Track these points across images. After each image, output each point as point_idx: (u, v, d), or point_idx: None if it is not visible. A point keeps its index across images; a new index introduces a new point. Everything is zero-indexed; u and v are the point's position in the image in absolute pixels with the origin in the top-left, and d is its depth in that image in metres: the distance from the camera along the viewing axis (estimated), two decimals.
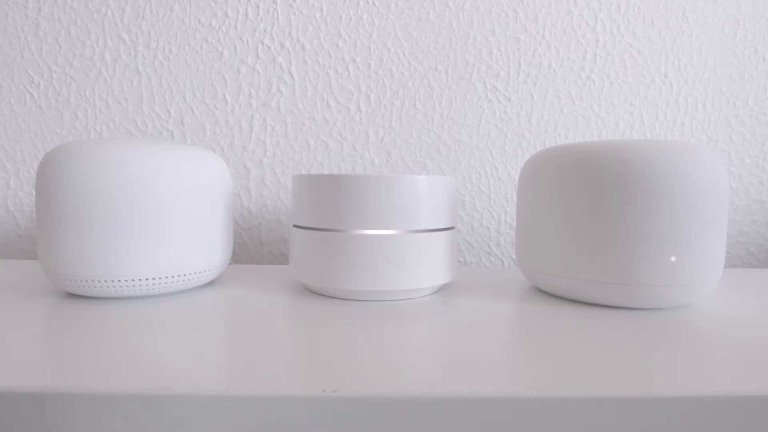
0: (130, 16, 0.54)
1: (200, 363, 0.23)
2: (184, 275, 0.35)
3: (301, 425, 0.20)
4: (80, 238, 0.32)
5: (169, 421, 0.20)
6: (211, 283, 0.40)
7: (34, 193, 0.49)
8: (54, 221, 0.32)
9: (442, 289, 0.39)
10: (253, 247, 0.56)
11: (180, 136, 0.55)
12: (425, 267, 0.35)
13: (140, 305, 0.33)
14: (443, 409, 0.20)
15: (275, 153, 0.56)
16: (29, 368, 0.23)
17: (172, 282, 0.35)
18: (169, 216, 0.34)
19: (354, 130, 0.56)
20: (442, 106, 0.56)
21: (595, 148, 0.34)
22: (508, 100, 0.56)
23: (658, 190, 0.31)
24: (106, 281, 0.33)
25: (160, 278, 0.34)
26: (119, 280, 0.33)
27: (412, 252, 0.35)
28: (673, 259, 0.32)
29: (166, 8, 0.55)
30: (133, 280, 0.33)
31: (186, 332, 0.28)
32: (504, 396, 0.20)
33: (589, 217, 0.33)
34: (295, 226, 0.38)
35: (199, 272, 0.36)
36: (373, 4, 0.55)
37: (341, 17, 0.55)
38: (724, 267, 0.53)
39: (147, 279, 0.34)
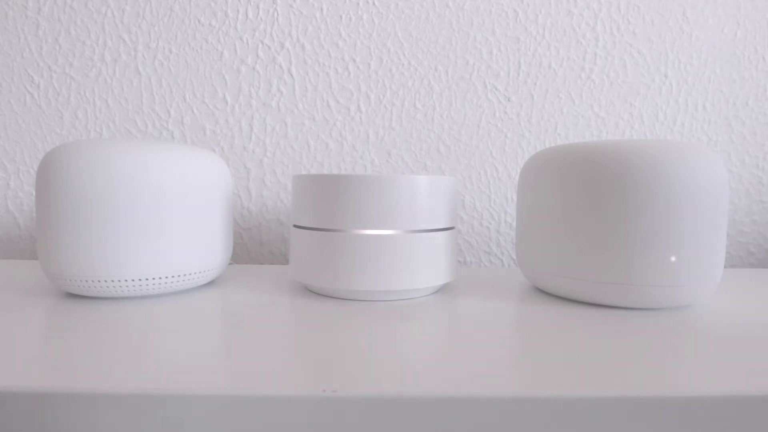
0: (130, 16, 0.54)
1: (200, 363, 0.23)
2: (184, 275, 0.35)
3: (301, 425, 0.20)
4: (80, 238, 0.32)
5: (169, 421, 0.20)
6: (211, 283, 0.40)
7: (34, 193, 0.49)
8: (54, 221, 0.32)
9: (442, 289, 0.39)
10: (253, 247, 0.56)
11: (180, 136, 0.55)
12: (425, 267, 0.35)
13: (140, 305, 0.33)
14: (443, 409, 0.20)
15: (275, 153, 0.56)
16: (29, 368, 0.23)
17: (172, 282, 0.35)
18: (169, 216, 0.34)
19: (354, 130, 0.56)
20: (442, 106, 0.56)
21: (595, 148, 0.34)
22: (508, 100, 0.56)
23: (658, 190, 0.31)
24: (106, 281, 0.33)
25: (160, 278, 0.34)
26: (119, 280, 0.33)
27: (412, 252, 0.35)
28: (673, 259, 0.32)
29: (166, 8, 0.54)
30: (133, 280, 0.33)
31: (186, 332, 0.28)
32: (504, 396, 0.20)
33: (589, 217, 0.33)
34: (295, 226, 0.38)
35: (199, 272, 0.36)
36: (373, 4, 0.55)
37: (341, 17, 0.55)
38: (724, 267, 0.53)
39: (147, 279, 0.34)
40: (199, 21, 0.55)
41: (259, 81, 0.55)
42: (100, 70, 0.55)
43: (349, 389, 0.20)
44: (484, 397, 0.20)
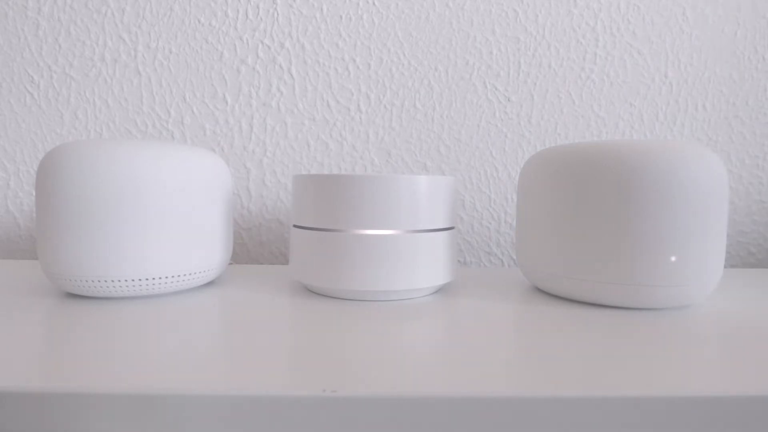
0: (130, 16, 0.54)
1: (200, 363, 0.23)
2: (184, 275, 0.35)
3: (301, 425, 0.20)
4: (80, 238, 0.32)
5: (169, 421, 0.20)
6: (211, 283, 0.40)
7: (34, 193, 0.49)
8: (54, 221, 0.32)
9: (442, 289, 0.39)
10: (253, 247, 0.56)
11: (180, 136, 0.55)
12: (425, 267, 0.35)
13: (140, 305, 0.33)
14: (443, 409, 0.20)
15: (275, 153, 0.56)
16: (29, 368, 0.23)
17: (172, 282, 0.35)
18: (169, 216, 0.34)
19: (354, 130, 0.56)
20: (442, 106, 0.56)
21: (595, 148, 0.34)
22: (508, 100, 0.56)
23: (657, 190, 0.31)
24: (106, 281, 0.33)
25: (160, 278, 0.34)
26: (119, 280, 0.33)
27: (412, 252, 0.35)
28: (673, 259, 0.32)
29: (166, 8, 0.54)
30: (133, 280, 0.33)
31: (186, 332, 0.28)
32: (504, 396, 0.20)
33: (588, 217, 0.33)
34: (295, 226, 0.38)
35: (199, 272, 0.36)
36: (373, 4, 0.55)
37: (341, 17, 0.55)
38: (724, 267, 0.53)
39: (147, 279, 0.34)
40: (199, 21, 0.55)
41: (259, 81, 0.55)
42: (100, 70, 0.55)
43: (349, 389, 0.20)
44: (484, 397, 0.20)
